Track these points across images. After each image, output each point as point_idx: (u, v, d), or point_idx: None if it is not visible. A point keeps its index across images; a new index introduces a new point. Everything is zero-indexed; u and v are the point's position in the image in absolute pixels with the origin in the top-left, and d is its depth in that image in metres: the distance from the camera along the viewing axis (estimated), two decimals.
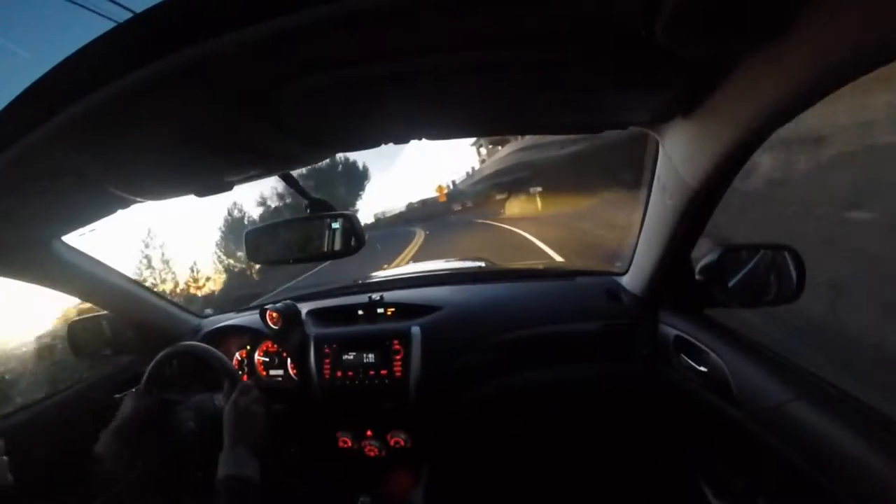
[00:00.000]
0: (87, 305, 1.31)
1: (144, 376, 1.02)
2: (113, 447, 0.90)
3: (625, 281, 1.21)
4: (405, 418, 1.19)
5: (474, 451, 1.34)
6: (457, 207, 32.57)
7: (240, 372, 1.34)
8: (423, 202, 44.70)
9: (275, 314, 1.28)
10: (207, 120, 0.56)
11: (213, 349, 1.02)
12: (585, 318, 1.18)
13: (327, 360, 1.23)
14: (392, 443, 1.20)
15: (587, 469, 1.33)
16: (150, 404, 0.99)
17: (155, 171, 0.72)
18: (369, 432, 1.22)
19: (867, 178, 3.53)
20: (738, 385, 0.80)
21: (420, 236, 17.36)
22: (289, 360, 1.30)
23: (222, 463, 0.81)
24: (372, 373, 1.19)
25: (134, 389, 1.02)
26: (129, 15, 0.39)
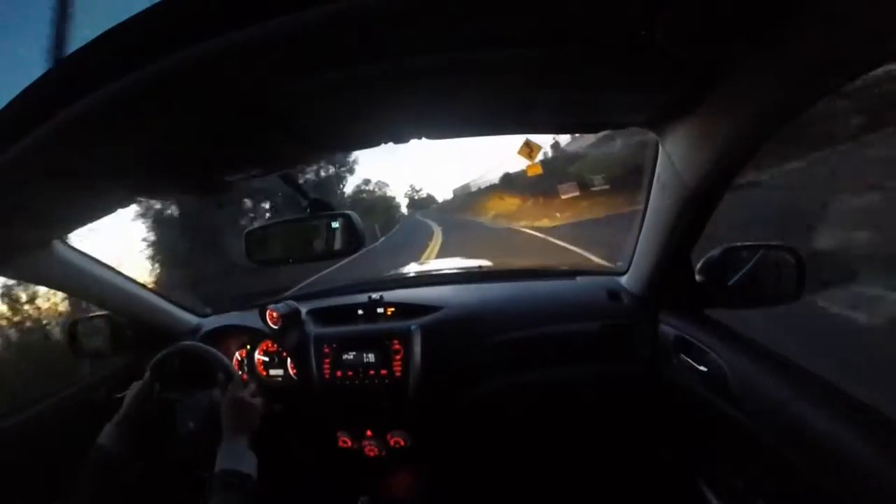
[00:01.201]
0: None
1: (147, 372, 1.02)
2: (116, 438, 0.90)
3: (625, 281, 1.21)
4: (405, 418, 1.19)
5: (474, 450, 1.34)
6: (569, 193, 13.91)
7: (239, 372, 1.35)
8: (507, 176, 27.40)
9: (275, 314, 1.28)
10: (207, 120, 0.56)
11: (209, 347, 1.03)
12: (585, 317, 1.18)
13: (327, 360, 1.23)
14: (392, 443, 1.20)
15: (587, 469, 1.33)
16: (152, 397, 1.00)
17: (155, 171, 0.72)
18: (369, 432, 1.22)
19: None
20: (738, 385, 0.80)
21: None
22: (289, 360, 1.30)
23: (219, 457, 0.81)
24: (372, 372, 1.19)
25: (136, 382, 1.02)
26: (128, 15, 0.39)
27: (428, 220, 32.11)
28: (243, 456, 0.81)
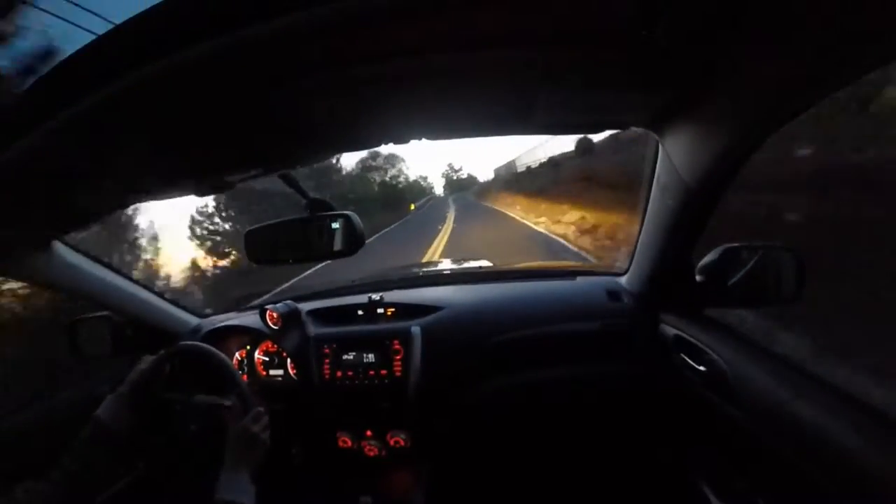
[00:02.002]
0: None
1: (162, 351, 1.00)
2: (114, 412, 0.90)
3: (625, 281, 1.21)
4: (405, 418, 1.19)
5: (474, 450, 1.34)
6: None
7: (240, 372, 1.34)
8: (586, 144, 15.12)
9: (274, 314, 1.28)
10: (208, 120, 0.56)
11: (229, 361, 1.01)
12: (586, 317, 1.18)
13: (327, 360, 1.23)
14: (392, 442, 1.20)
15: (587, 468, 1.33)
16: (162, 376, 0.98)
17: (155, 170, 0.72)
18: (369, 432, 1.22)
19: None
20: (738, 385, 0.80)
21: None
22: (289, 360, 1.30)
23: (221, 485, 0.80)
24: (372, 373, 1.19)
25: (147, 356, 1.01)
26: (129, 15, 0.39)
27: (450, 213, 21.47)
28: (244, 488, 0.81)
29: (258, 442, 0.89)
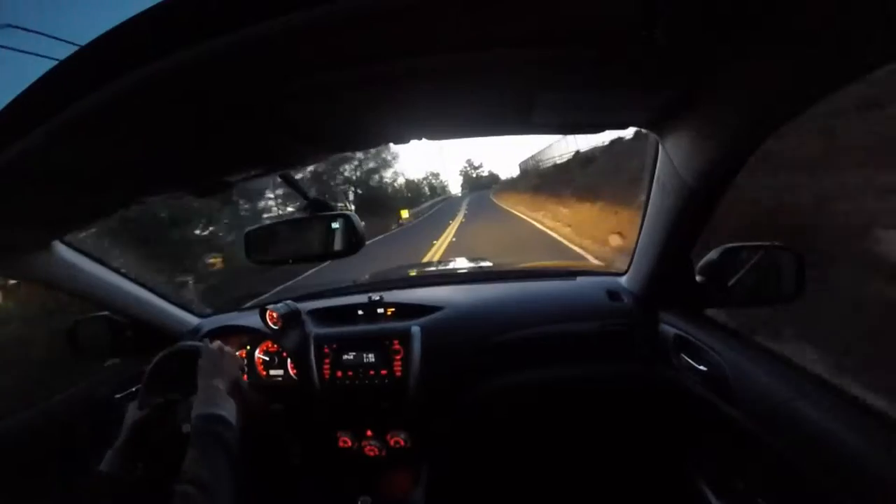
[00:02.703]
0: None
1: (142, 384, 1.01)
2: (118, 464, 0.89)
3: (625, 281, 1.21)
4: (405, 418, 1.19)
5: (474, 450, 1.34)
6: None
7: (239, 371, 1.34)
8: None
9: (275, 314, 1.28)
10: (208, 120, 0.56)
11: (192, 342, 1.01)
12: (586, 317, 1.18)
13: (327, 360, 1.23)
14: (392, 443, 1.20)
15: (587, 469, 1.33)
16: (151, 414, 0.99)
17: (155, 171, 0.72)
18: (369, 432, 1.22)
19: None
20: (738, 385, 0.80)
21: None
22: (289, 360, 1.30)
23: (195, 405, 0.76)
24: (372, 372, 1.19)
25: (133, 396, 1.01)
26: (128, 15, 0.39)
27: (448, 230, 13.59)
28: (220, 399, 0.76)
29: (225, 353, 0.89)
